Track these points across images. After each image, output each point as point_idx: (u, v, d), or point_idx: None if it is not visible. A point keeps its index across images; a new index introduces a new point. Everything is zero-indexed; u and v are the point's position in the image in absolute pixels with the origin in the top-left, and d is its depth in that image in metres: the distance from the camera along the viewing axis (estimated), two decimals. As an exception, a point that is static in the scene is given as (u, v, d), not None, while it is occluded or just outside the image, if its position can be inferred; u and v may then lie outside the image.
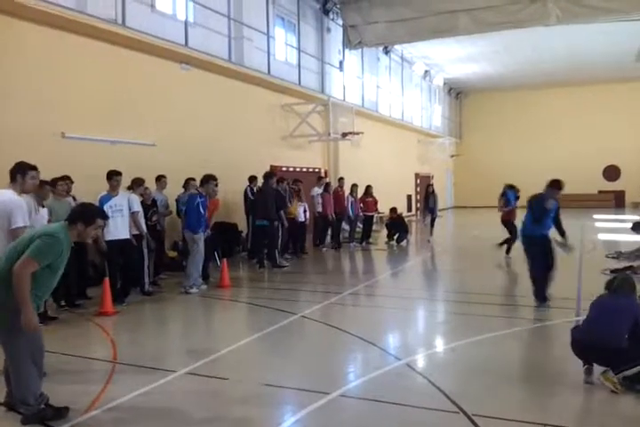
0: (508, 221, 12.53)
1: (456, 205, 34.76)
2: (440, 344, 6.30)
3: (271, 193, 11.36)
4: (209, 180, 9.10)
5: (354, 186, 15.28)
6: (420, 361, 5.55)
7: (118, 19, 10.36)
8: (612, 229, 18.81)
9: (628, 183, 31.05)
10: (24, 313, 3.82)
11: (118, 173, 8.24)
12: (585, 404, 4.55)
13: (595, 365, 4.65)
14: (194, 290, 8.90)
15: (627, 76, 29.06)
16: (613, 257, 11.83)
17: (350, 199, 15.11)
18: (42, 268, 3.91)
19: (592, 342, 4.57)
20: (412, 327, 7.25)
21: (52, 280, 4.09)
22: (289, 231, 12.73)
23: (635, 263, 10.65)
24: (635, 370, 4.59)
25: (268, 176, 11.60)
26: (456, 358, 5.78)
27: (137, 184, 9.00)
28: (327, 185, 14.69)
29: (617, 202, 31.44)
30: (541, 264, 7.50)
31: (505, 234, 12.62)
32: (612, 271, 9.99)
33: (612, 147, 31.33)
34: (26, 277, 3.82)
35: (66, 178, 7.92)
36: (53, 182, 7.57)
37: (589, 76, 29.74)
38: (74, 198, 8.07)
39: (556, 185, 7.76)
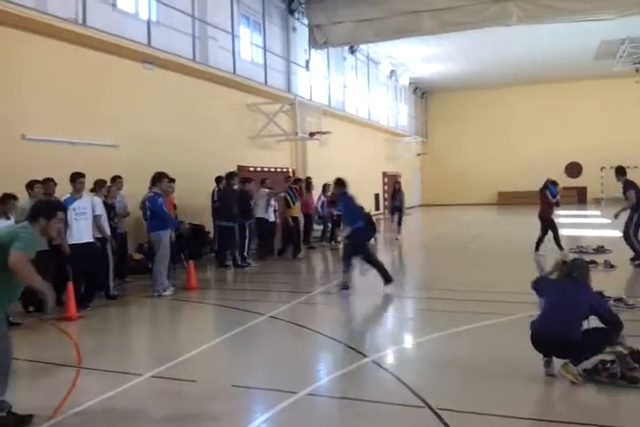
0: (547, 218, 12.27)
1: (423, 204, 35.15)
2: (406, 340, 6.40)
3: (232, 194, 11.37)
4: (161, 177, 8.85)
5: (326, 185, 15.32)
6: (387, 358, 5.61)
7: (79, 18, 10.18)
8: (574, 224, 19.25)
9: (590, 180, 31.82)
10: (43, 293, 4.02)
11: (82, 176, 8.12)
12: (546, 396, 4.66)
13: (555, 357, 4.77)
14: (167, 292, 8.78)
15: (587, 73, 29.80)
16: (575, 252, 12.11)
17: (322, 199, 15.14)
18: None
19: (550, 336, 4.66)
20: (379, 324, 7.33)
21: (18, 284, 4.05)
22: (288, 231, 12.93)
23: (597, 258, 10.93)
24: (593, 361, 4.73)
25: (228, 177, 11.59)
26: (422, 353, 5.87)
27: (99, 186, 8.88)
28: (309, 184, 14.75)
29: (579, 198, 32.19)
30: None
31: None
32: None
33: (574, 144, 32.07)
34: (25, 266, 3.85)
35: (48, 180, 7.99)
36: (30, 185, 7.72)
37: (552, 75, 30.41)
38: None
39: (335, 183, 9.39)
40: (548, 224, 12.28)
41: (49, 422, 4.09)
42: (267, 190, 12.98)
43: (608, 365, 4.64)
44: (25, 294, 6.20)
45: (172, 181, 9.18)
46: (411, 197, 29.74)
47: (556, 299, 4.82)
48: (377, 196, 27.70)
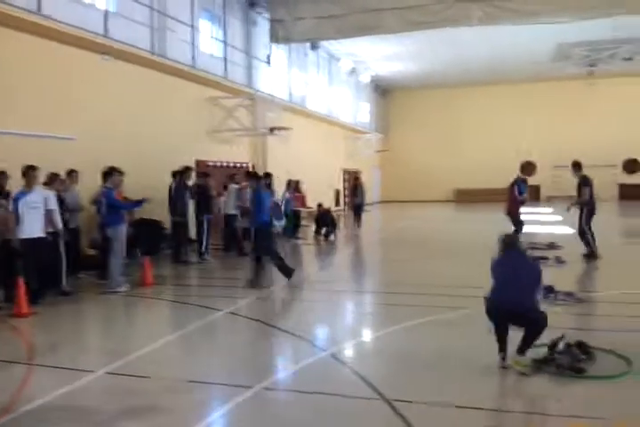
0: (514, 214, 12.34)
1: (382, 200, 35.49)
2: (364, 334, 6.46)
3: (184, 189, 11.31)
4: (113, 172, 8.83)
5: (290, 181, 15.32)
6: (345, 351, 5.66)
7: (34, 7, 9.86)
8: (527, 221, 19.74)
9: (543, 178, 32.70)
10: None
11: (34, 168, 7.88)
12: (499, 386, 4.78)
13: (508, 351, 4.88)
14: (121, 289, 8.62)
15: (545, 75, 30.62)
16: (528, 248, 12.36)
17: (287, 195, 15.04)
18: None
19: (508, 305, 4.77)
20: (338, 319, 7.36)
21: None
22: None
23: (548, 253, 11.23)
24: (542, 353, 4.89)
25: (182, 172, 11.51)
26: (379, 346, 5.95)
27: (53, 180, 8.65)
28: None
29: (532, 196, 33.03)
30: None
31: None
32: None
33: (529, 143, 32.85)
34: None
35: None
36: None
37: (510, 76, 31.18)
38: (7, 194, 7.83)
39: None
40: (515, 220, 12.42)
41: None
42: (236, 186, 12.87)
43: (555, 356, 4.81)
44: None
45: (121, 173, 9.05)
46: (371, 193, 29.99)
47: (508, 271, 4.97)
48: (337, 192, 27.83)
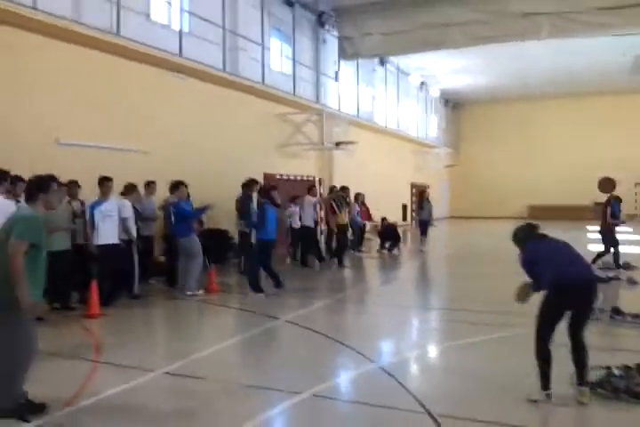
0: (608, 233, 11.86)
1: (452, 215, 34.93)
2: (419, 348, 6.43)
3: (246, 202, 11.65)
4: (179, 186, 9.38)
5: (359, 195, 15.49)
6: (396, 365, 5.66)
7: (113, 28, 10.61)
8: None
9: (623, 195, 31.14)
10: (21, 296, 3.93)
11: (109, 179, 8.46)
12: (548, 408, 4.59)
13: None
14: (197, 292, 9.11)
15: (621, 88, 29.33)
16: (600, 268, 11.75)
17: (357, 208, 15.19)
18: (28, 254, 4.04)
19: (581, 276, 4.59)
20: (393, 333, 7.35)
21: (37, 267, 4.17)
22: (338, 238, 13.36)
23: (619, 273, 10.73)
24: (599, 375, 4.73)
25: (245, 185, 11.83)
26: (431, 361, 5.95)
27: (129, 190, 9.20)
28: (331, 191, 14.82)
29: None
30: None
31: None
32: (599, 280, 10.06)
33: (606, 158, 31.49)
34: (19, 257, 3.94)
35: (72, 182, 8.21)
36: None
37: (584, 88, 30.03)
38: (82, 203, 8.41)
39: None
40: (608, 240, 11.88)
41: (61, 411, 4.30)
42: (314, 198, 13.18)
43: (612, 379, 4.64)
44: (50, 291, 6.51)
45: (186, 186, 9.57)
46: (439, 208, 29.58)
47: (552, 252, 4.83)
48: (405, 206, 27.65)
